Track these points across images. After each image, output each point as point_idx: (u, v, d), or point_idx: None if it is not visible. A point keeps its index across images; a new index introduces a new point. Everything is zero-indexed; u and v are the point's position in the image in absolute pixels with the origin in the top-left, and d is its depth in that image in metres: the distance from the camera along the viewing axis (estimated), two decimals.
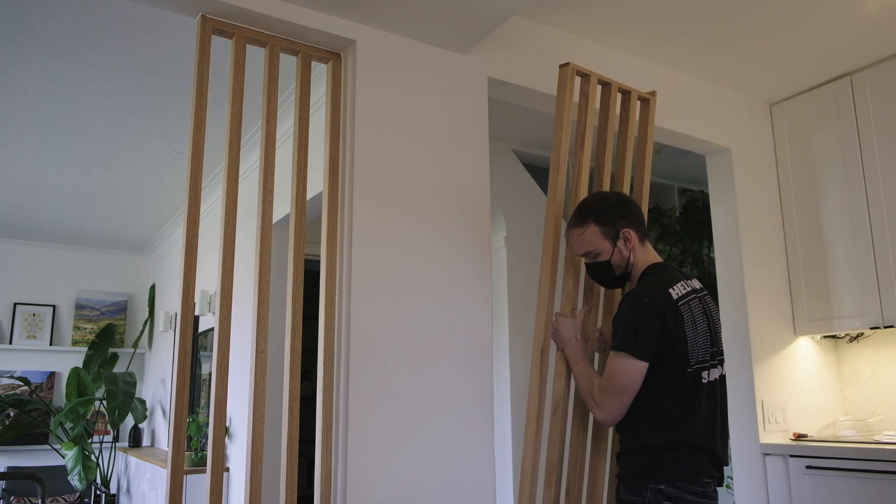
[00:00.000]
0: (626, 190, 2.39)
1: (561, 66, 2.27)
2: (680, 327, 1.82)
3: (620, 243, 1.94)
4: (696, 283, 1.96)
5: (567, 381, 2.15)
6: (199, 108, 2.00)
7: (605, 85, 2.38)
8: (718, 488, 1.99)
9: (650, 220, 3.98)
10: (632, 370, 1.81)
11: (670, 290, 1.85)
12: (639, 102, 2.51)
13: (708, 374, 1.87)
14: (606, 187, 2.31)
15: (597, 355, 2.27)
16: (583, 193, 2.24)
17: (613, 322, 1.93)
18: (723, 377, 1.93)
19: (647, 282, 1.93)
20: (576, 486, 2.20)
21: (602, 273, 2.02)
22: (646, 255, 1.97)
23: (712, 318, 1.93)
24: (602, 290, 2.27)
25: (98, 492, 5.22)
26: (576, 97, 2.45)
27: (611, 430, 2.29)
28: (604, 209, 1.95)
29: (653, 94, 2.52)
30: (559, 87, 2.25)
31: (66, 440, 5.13)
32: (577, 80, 2.34)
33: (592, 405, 1.90)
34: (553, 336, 2.13)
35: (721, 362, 1.93)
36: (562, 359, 2.12)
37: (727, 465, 1.91)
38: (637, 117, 2.50)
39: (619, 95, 2.45)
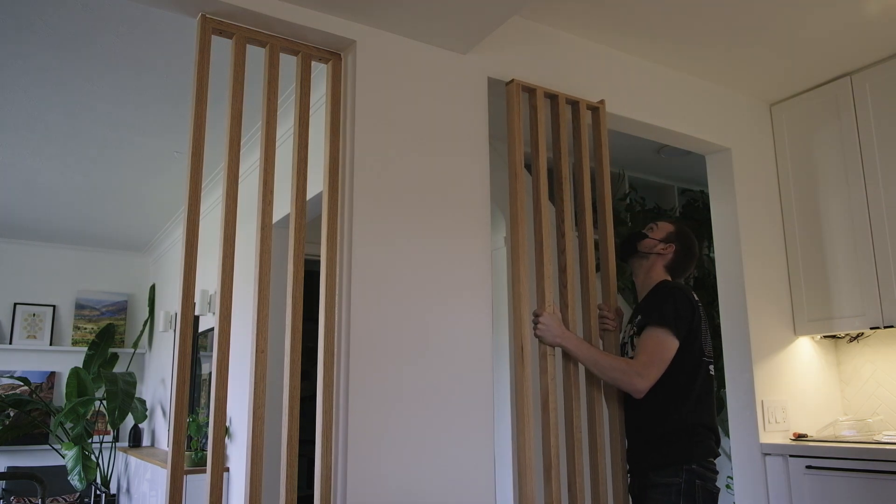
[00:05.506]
0: (587, 194, 2.58)
1: (507, 83, 2.45)
2: (699, 322, 2.15)
3: (661, 245, 2.32)
4: None
5: (553, 376, 2.29)
6: (200, 108, 2.00)
7: (553, 97, 2.54)
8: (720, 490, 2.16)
9: (650, 219, 3.98)
10: (671, 345, 2.09)
11: (692, 292, 2.22)
12: (589, 111, 2.65)
13: (712, 369, 2.19)
14: (567, 193, 2.50)
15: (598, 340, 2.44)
16: (544, 199, 2.41)
17: (647, 307, 2.20)
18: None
19: (674, 283, 2.28)
20: (577, 482, 2.25)
21: (632, 240, 2.38)
22: (665, 275, 2.31)
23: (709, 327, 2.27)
24: (577, 287, 2.47)
25: (98, 492, 5.22)
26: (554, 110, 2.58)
27: (606, 423, 2.34)
28: (684, 236, 2.34)
29: (601, 102, 2.66)
30: (508, 103, 2.43)
31: (66, 440, 5.13)
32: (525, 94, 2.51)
33: (630, 376, 2.09)
34: (542, 333, 2.27)
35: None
36: (545, 355, 2.29)
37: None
38: (589, 125, 2.66)
39: (569, 106, 2.60)
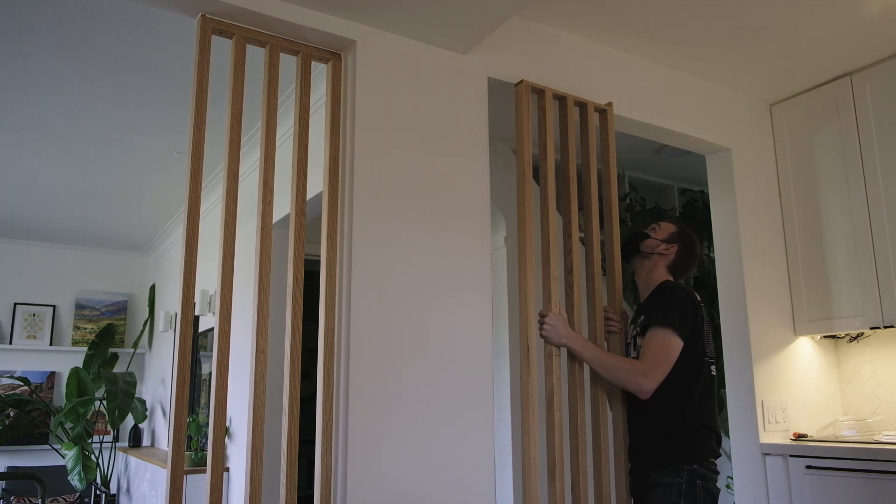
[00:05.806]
0: (594, 196, 2.56)
1: (516, 84, 2.45)
2: (702, 322, 2.16)
3: (663, 246, 2.32)
4: None
5: (558, 376, 2.28)
6: (199, 108, 2.00)
7: (561, 99, 2.53)
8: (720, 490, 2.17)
9: (650, 219, 3.99)
10: (676, 345, 2.09)
11: (694, 292, 2.23)
12: (597, 114, 2.64)
13: (714, 369, 2.20)
14: (573, 194, 2.51)
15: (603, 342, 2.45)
16: (552, 200, 2.42)
17: (650, 307, 2.20)
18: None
19: (677, 283, 2.28)
20: (581, 482, 2.25)
21: (635, 240, 2.37)
22: (667, 275, 2.31)
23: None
24: (583, 287, 2.48)
25: (98, 492, 5.22)
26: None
27: (610, 423, 2.34)
28: (687, 237, 2.35)
29: (609, 104, 2.65)
30: (517, 104, 2.43)
31: (66, 440, 5.13)
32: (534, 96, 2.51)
33: (636, 376, 2.09)
34: (548, 334, 2.28)
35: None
36: (551, 356, 2.28)
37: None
38: (596, 127, 2.66)
39: (577, 108, 2.59)
